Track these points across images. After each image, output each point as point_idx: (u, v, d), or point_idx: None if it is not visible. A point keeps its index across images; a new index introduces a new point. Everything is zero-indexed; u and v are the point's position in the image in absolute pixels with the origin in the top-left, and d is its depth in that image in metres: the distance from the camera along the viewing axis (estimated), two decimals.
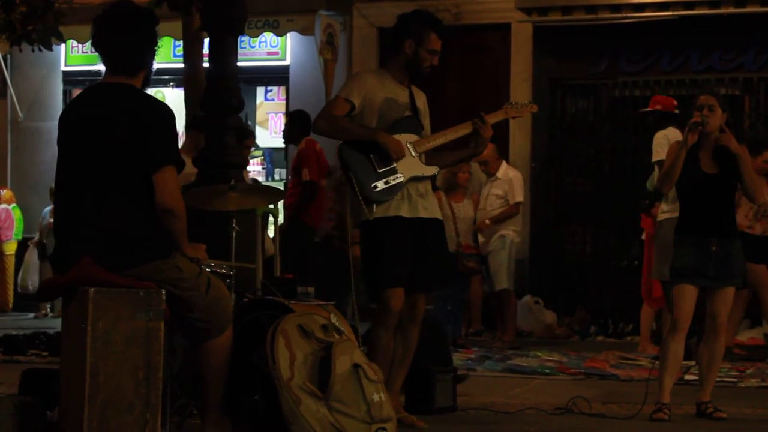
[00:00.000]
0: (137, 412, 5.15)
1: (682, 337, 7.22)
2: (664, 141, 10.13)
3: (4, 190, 16.71)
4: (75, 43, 16.77)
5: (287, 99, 16.38)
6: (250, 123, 15.95)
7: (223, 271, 6.31)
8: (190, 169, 9.73)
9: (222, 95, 8.90)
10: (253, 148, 9.89)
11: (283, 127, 12.83)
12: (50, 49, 11.79)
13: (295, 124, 12.00)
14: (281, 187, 14.37)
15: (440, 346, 7.88)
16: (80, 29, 13.78)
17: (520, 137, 14.95)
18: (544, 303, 13.83)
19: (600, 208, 14.72)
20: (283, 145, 14.25)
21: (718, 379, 7.84)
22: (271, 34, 15.80)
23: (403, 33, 6.79)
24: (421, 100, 6.91)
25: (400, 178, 6.63)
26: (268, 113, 16.83)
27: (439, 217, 6.88)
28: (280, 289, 6.56)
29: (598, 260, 14.89)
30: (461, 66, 14.96)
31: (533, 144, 14.96)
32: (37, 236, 16.37)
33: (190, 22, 12.33)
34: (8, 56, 16.71)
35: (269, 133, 16.57)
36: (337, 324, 6.18)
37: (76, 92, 14.93)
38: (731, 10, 13.67)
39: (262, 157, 16.73)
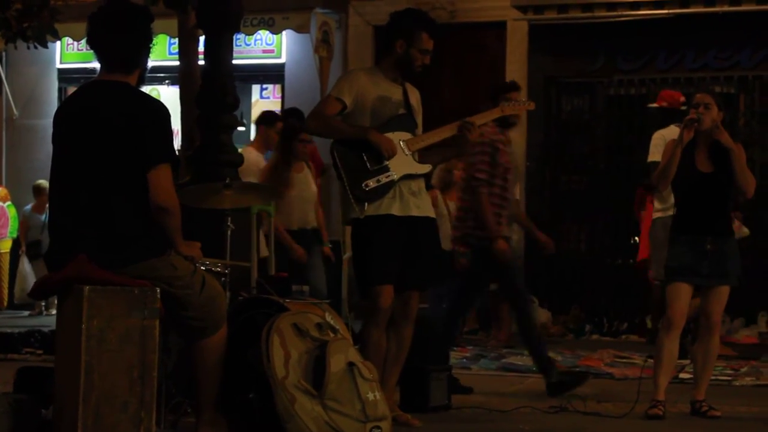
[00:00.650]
0: (132, 411, 5.14)
1: (677, 335, 7.23)
2: (661, 141, 10.14)
3: None
4: (70, 41, 16.76)
5: (283, 97, 16.38)
6: (245, 121, 15.94)
7: (218, 269, 6.31)
8: (263, 163, 9.74)
9: (217, 93, 8.89)
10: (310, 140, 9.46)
11: None
12: (45, 46, 11.74)
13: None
14: None
15: (435, 345, 7.89)
16: (75, 27, 13.77)
17: (515, 135, 14.85)
18: (539, 301, 13.83)
19: (595, 206, 14.73)
20: None
21: (713, 378, 7.85)
22: (267, 31, 15.80)
23: (394, 32, 6.78)
24: (415, 97, 6.91)
25: (392, 176, 6.63)
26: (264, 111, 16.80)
27: (432, 215, 6.87)
28: (274, 288, 6.56)
29: (593, 259, 14.90)
30: (457, 64, 14.97)
31: (528, 142, 14.96)
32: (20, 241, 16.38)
33: (185, 19, 12.32)
34: (3, 53, 16.70)
35: None
36: (331, 322, 6.18)
37: (72, 90, 15.01)
38: (726, 8, 13.69)
39: None
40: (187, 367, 5.73)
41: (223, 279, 6.26)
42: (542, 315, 13.75)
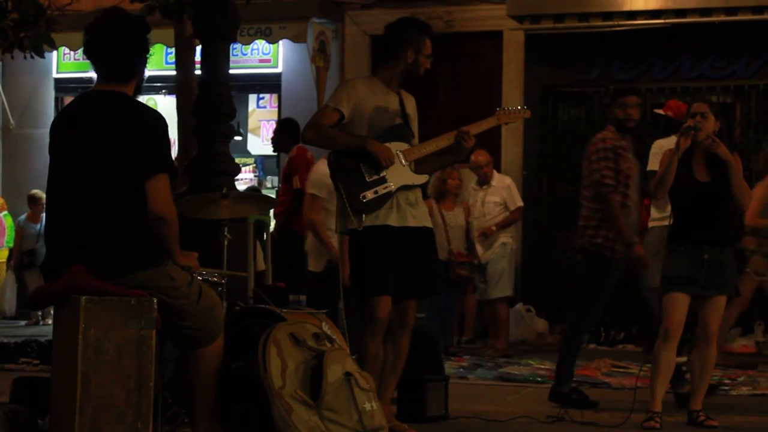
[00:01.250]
0: (128, 421, 5.14)
1: (674, 345, 7.23)
2: (660, 150, 10.15)
3: None
4: (67, 50, 16.76)
5: (279, 106, 16.39)
6: (242, 130, 15.95)
7: (215, 279, 6.31)
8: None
9: (214, 102, 8.91)
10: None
11: (271, 135, 12.80)
12: (42, 56, 11.73)
13: (284, 132, 11.98)
14: (273, 195, 14.35)
15: (432, 355, 7.88)
16: (72, 36, 13.75)
17: (512, 144, 14.97)
18: (535, 311, 13.84)
19: None
20: (275, 153, 14.24)
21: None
22: (264, 41, 15.81)
23: (401, 42, 6.80)
24: (411, 105, 6.92)
25: (389, 187, 6.63)
26: (260, 120, 16.83)
27: (429, 225, 6.88)
28: (271, 298, 6.55)
29: None
30: (453, 74, 14.97)
31: (525, 151, 14.97)
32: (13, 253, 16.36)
33: (182, 29, 12.32)
34: (0, 63, 16.68)
35: (261, 140, 16.56)
36: (328, 332, 6.18)
37: (68, 99, 14.99)
38: (723, 18, 13.70)
39: (254, 165, 16.73)
40: (184, 377, 5.72)
41: (220, 289, 6.26)
42: (539, 324, 13.75)
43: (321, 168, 9.38)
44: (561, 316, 14.06)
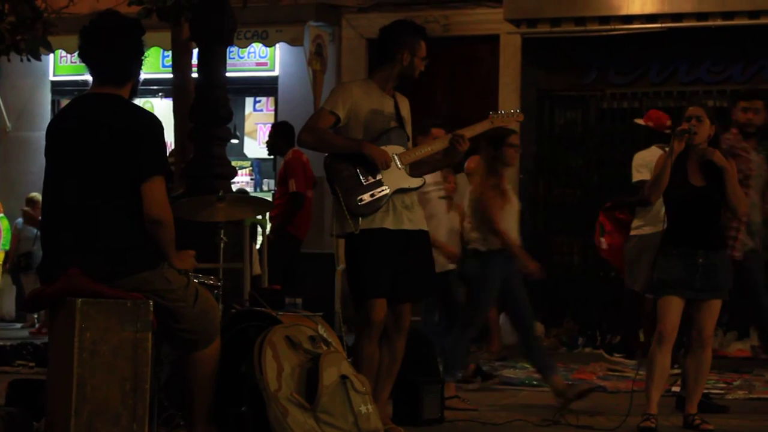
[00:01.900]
0: (124, 424, 5.14)
1: (669, 348, 7.23)
2: (641, 162, 10.28)
3: None
4: (63, 53, 16.75)
5: (276, 109, 16.37)
6: (238, 134, 15.94)
7: (212, 282, 6.31)
8: None
9: (211, 105, 8.90)
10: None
11: (266, 139, 12.81)
12: (39, 59, 11.76)
13: (279, 135, 12.01)
14: (270, 198, 14.35)
15: (428, 358, 7.89)
16: (69, 39, 13.66)
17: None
18: None
19: (588, 219, 14.71)
20: (271, 156, 14.24)
21: (705, 391, 7.85)
22: (260, 44, 15.80)
23: (396, 44, 6.81)
24: (405, 108, 6.93)
25: (385, 190, 6.64)
26: (257, 124, 16.82)
27: (425, 228, 6.89)
28: (267, 300, 6.56)
29: (585, 271, 14.89)
30: (450, 77, 14.98)
31: (521, 155, 14.89)
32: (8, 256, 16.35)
33: (178, 32, 12.31)
34: None
35: (258, 143, 16.56)
36: (324, 335, 6.18)
37: (65, 102, 14.97)
38: (719, 22, 13.70)
39: (251, 168, 16.73)
40: (180, 380, 5.73)
41: (216, 292, 6.26)
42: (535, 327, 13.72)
43: None
44: (557, 320, 14.08)
